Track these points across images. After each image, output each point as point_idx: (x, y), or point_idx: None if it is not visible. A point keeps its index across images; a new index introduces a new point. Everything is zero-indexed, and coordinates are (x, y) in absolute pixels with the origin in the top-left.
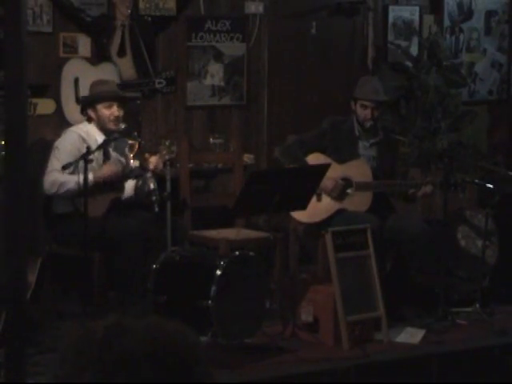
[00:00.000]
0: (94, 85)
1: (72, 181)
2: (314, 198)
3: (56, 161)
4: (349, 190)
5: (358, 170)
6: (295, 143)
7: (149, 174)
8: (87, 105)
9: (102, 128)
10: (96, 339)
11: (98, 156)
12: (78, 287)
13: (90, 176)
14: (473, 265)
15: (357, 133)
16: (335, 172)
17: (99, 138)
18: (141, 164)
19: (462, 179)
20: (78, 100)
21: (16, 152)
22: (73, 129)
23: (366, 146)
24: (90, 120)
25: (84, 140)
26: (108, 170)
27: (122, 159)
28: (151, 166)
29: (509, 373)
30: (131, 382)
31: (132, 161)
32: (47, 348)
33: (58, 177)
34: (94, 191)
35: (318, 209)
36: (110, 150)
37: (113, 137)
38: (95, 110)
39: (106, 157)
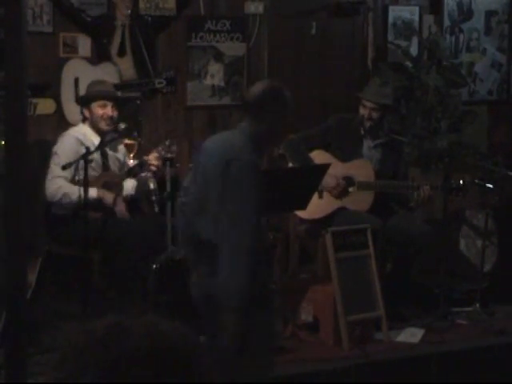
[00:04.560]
0: (90, 85)
1: (75, 192)
2: (316, 195)
3: (57, 167)
4: (350, 189)
5: (361, 169)
6: (299, 138)
7: (149, 174)
8: (83, 104)
9: (95, 128)
10: (96, 339)
11: (96, 157)
12: (78, 287)
13: (94, 192)
14: (473, 265)
15: (362, 132)
16: (338, 170)
17: (95, 139)
18: (141, 164)
19: (463, 183)
20: (77, 100)
21: (16, 152)
22: (69, 132)
23: (371, 147)
24: (84, 120)
25: (81, 143)
26: (108, 197)
27: (121, 159)
28: (153, 168)
29: (509, 373)
30: (131, 382)
31: (132, 160)
32: (47, 348)
33: (62, 185)
34: (95, 203)
35: (319, 206)
36: (108, 150)
37: (110, 138)
38: (90, 110)
39: (104, 157)
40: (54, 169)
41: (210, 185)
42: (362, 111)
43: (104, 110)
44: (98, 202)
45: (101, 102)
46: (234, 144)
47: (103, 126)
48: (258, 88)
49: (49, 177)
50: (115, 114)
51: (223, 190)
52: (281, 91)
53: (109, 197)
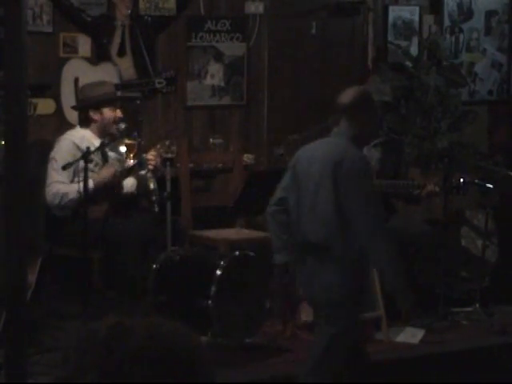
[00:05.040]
0: (91, 86)
1: (73, 190)
2: None
3: (55, 172)
4: None
5: None
6: (300, 138)
7: (149, 174)
8: (90, 107)
9: (104, 130)
10: (98, 339)
11: (96, 158)
12: (78, 287)
13: (91, 183)
14: (473, 265)
15: None
16: None
17: (95, 141)
18: (140, 162)
19: (463, 183)
20: (76, 106)
21: (16, 152)
22: (66, 136)
23: (370, 146)
24: (87, 123)
25: (78, 147)
26: (106, 172)
27: (121, 158)
28: (151, 167)
29: (509, 373)
30: (133, 383)
31: (132, 160)
32: (47, 348)
33: (59, 188)
34: (94, 194)
35: None
36: (108, 150)
37: (110, 138)
38: (100, 113)
39: (105, 158)
40: (52, 174)
41: (318, 189)
42: None
43: (115, 113)
44: (99, 191)
45: (111, 106)
46: (337, 146)
47: (114, 130)
48: (352, 93)
49: (47, 182)
50: (121, 115)
51: (334, 190)
52: (371, 95)
53: (108, 171)
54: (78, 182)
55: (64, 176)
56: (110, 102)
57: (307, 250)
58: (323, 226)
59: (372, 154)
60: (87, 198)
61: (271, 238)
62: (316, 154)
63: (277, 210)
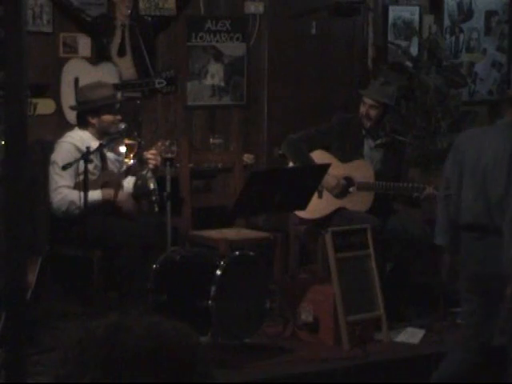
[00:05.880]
0: (90, 88)
1: (79, 198)
2: (315, 195)
3: (58, 177)
4: (350, 189)
5: (361, 170)
6: (300, 137)
7: (149, 174)
8: (89, 112)
9: (103, 133)
10: (97, 339)
11: (95, 160)
12: (78, 287)
13: (99, 194)
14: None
15: (363, 132)
16: (338, 170)
17: (94, 143)
18: (140, 162)
19: None
20: (77, 105)
21: (16, 152)
22: (65, 139)
23: (372, 147)
24: (85, 126)
25: (78, 149)
26: (106, 193)
27: (120, 159)
28: (151, 165)
29: (509, 373)
30: (132, 382)
31: (132, 161)
32: (47, 348)
33: (66, 194)
34: (98, 205)
35: (319, 205)
36: (106, 151)
37: (110, 139)
38: (98, 117)
39: (103, 160)
40: (56, 179)
41: (488, 173)
42: (362, 109)
43: (114, 118)
44: (102, 203)
45: (111, 111)
46: (510, 135)
47: (113, 129)
48: None
49: (52, 187)
50: (120, 118)
51: (508, 175)
52: None
53: (109, 193)
54: (80, 185)
55: (67, 179)
56: (110, 106)
57: (470, 231)
58: (491, 208)
59: (373, 154)
60: (86, 194)
61: (441, 219)
62: (487, 140)
63: (446, 194)
